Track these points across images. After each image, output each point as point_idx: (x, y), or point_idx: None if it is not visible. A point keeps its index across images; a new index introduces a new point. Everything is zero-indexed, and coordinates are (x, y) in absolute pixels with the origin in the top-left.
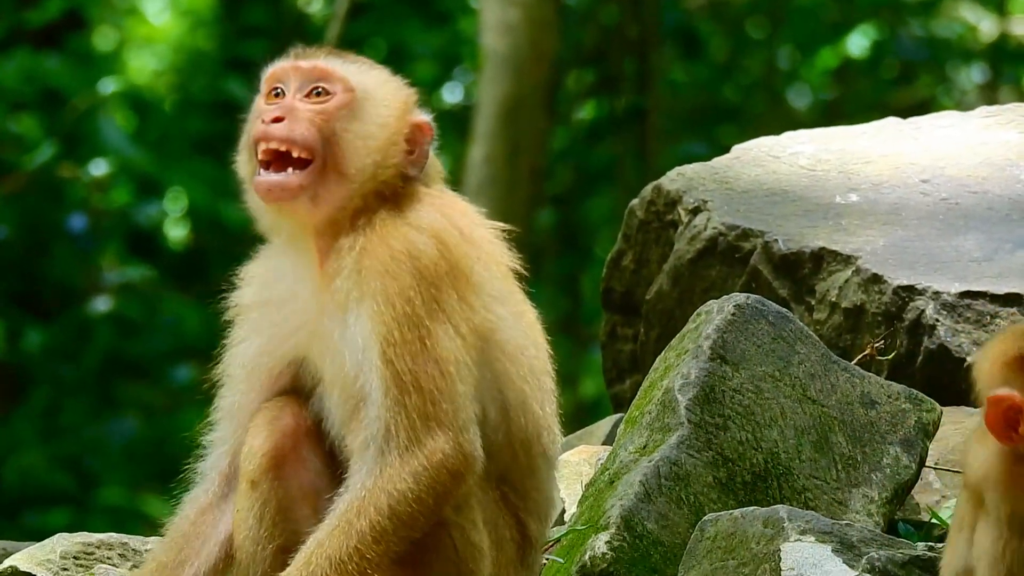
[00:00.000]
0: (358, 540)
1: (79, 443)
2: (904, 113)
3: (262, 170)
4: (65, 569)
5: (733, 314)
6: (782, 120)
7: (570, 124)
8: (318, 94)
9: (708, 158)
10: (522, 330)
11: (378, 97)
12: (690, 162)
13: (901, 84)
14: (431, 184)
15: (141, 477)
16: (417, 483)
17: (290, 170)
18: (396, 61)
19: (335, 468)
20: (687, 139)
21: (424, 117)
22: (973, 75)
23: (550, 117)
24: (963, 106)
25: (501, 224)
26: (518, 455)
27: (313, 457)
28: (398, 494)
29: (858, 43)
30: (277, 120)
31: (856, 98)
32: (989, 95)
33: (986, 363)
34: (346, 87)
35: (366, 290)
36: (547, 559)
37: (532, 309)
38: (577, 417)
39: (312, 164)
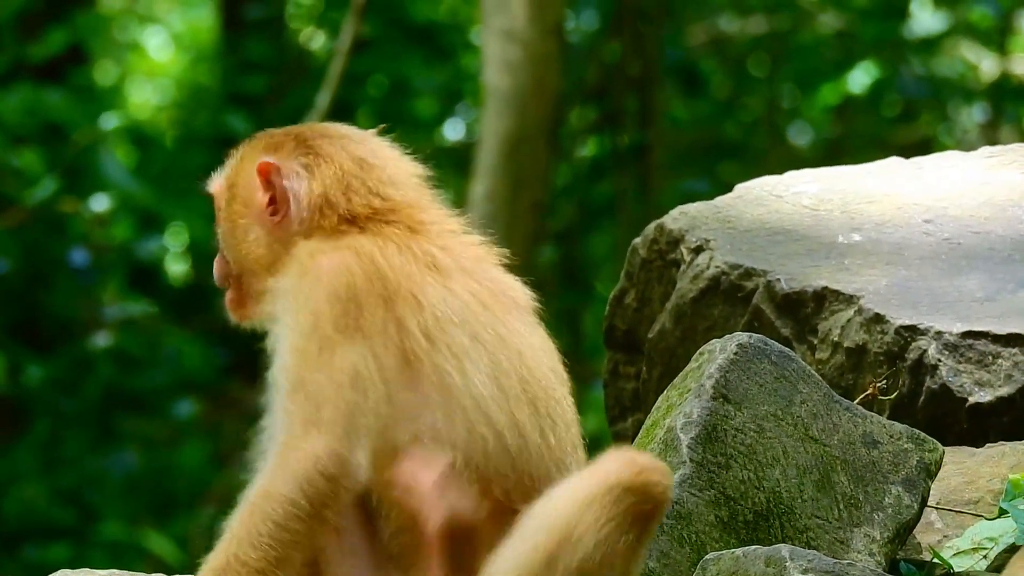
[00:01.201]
0: (237, 546)
1: (79, 476)
2: (906, 151)
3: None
4: None
5: (736, 353)
6: (784, 157)
7: (572, 160)
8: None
9: (710, 195)
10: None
11: (222, 187)
12: (692, 199)
13: (902, 122)
14: (389, 210)
15: (141, 511)
16: (289, 485)
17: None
18: (398, 97)
19: None
20: (689, 176)
21: (263, 159)
22: (975, 114)
23: (552, 154)
24: (964, 145)
25: (504, 254)
26: None
27: None
28: (275, 496)
29: (859, 80)
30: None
31: (857, 136)
32: (990, 134)
33: None
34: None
35: (282, 296)
36: None
37: (533, 337)
38: None
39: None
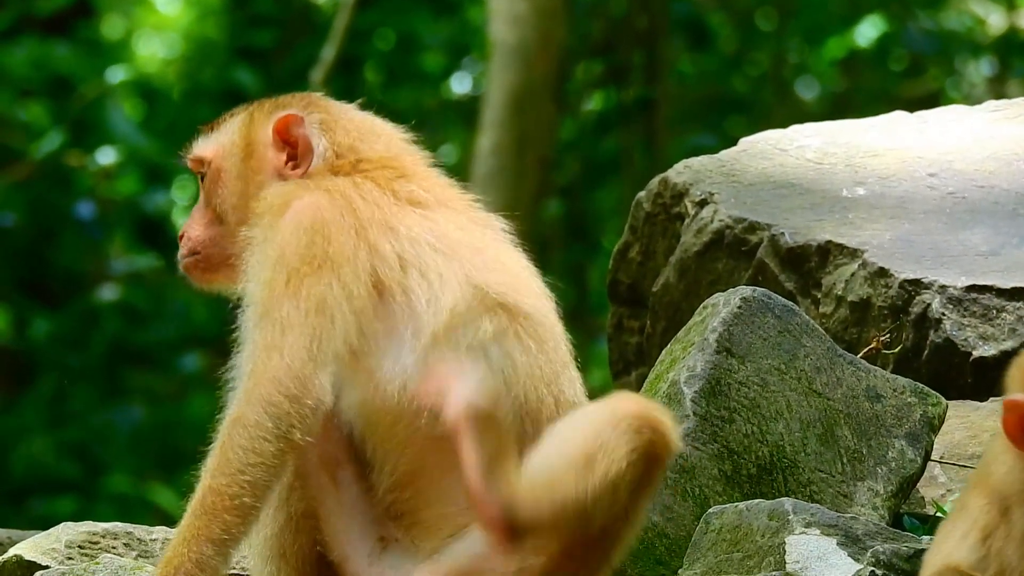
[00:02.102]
0: (211, 477)
1: (86, 431)
2: (913, 105)
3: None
4: (70, 558)
5: (739, 307)
6: (791, 111)
7: (578, 115)
8: (202, 180)
9: (716, 150)
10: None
11: (226, 150)
12: (698, 154)
13: (910, 76)
14: (376, 161)
15: (147, 465)
16: (254, 408)
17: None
18: (405, 51)
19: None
20: (695, 131)
21: (282, 113)
22: (982, 68)
23: (558, 108)
24: (971, 99)
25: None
26: None
27: (334, 428)
28: (240, 421)
29: (866, 34)
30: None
31: (865, 90)
32: (998, 88)
33: (1016, 369)
34: (206, 162)
35: (256, 242)
36: None
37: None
38: None
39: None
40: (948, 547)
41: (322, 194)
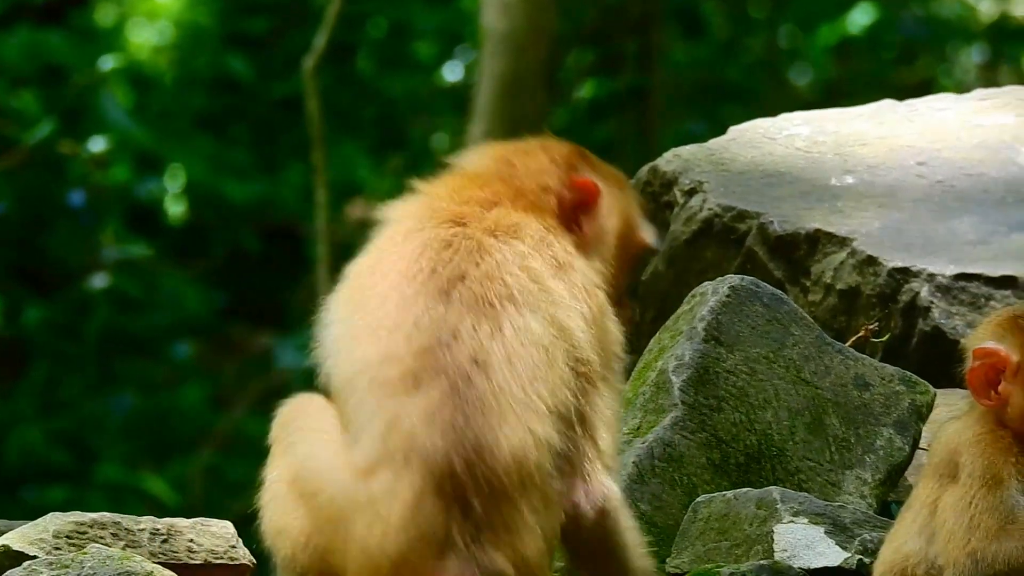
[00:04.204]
0: None
1: (78, 418)
2: (905, 93)
3: None
4: (58, 548)
5: (728, 296)
6: (784, 99)
7: (570, 103)
8: None
9: (710, 138)
10: None
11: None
12: (691, 142)
13: (902, 63)
14: None
15: (139, 453)
16: None
17: None
18: (397, 39)
19: None
20: (689, 118)
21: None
22: (973, 55)
23: (550, 96)
24: (963, 86)
25: None
26: None
27: None
28: None
29: (859, 21)
30: None
31: (858, 77)
32: (989, 76)
33: (978, 328)
34: None
35: None
36: None
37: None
38: None
39: None
40: (899, 539)
41: None
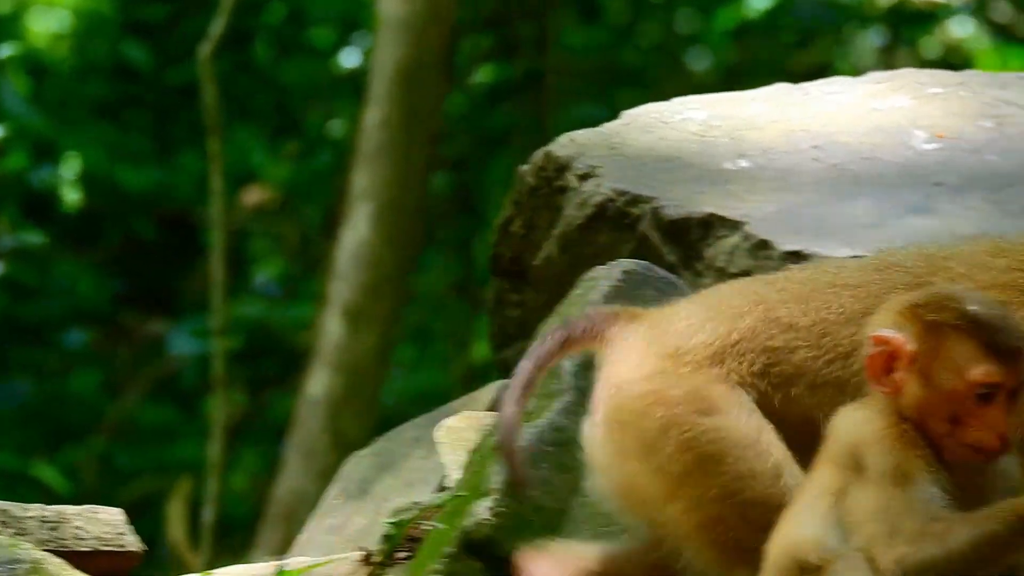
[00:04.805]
0: None
1: None
2: (803, 77)
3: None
4: None
5: (620, 280)
6: (682, 83)
7: (468, 88)
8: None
9: (607, 122)
10: None
11: None
12: (589, 126)
13: (800, 47)
14: None
15: (32, 441)
16: None
17: None
18: (294, 25)
19: None
20: (586, 103)
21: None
22: (871, 39)
23: (447, 81)
24: (860, 70)
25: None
26: None
27: None
28: None
29: (757, 5)
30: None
31: (756, 62)
32: (887, 59)
33: (878, 314)
34: None
35: None
36: (430, 525)
37: None
38: (468, 382)
39: None
40: (795, 522)
41: None
